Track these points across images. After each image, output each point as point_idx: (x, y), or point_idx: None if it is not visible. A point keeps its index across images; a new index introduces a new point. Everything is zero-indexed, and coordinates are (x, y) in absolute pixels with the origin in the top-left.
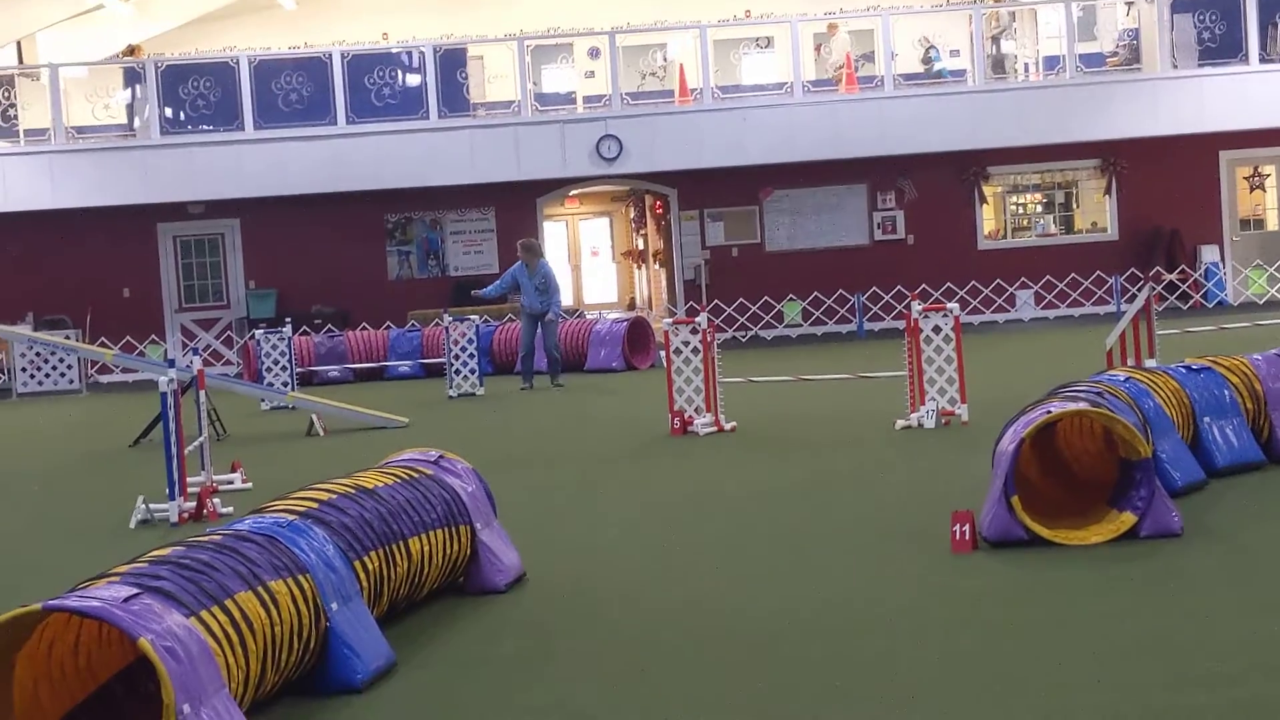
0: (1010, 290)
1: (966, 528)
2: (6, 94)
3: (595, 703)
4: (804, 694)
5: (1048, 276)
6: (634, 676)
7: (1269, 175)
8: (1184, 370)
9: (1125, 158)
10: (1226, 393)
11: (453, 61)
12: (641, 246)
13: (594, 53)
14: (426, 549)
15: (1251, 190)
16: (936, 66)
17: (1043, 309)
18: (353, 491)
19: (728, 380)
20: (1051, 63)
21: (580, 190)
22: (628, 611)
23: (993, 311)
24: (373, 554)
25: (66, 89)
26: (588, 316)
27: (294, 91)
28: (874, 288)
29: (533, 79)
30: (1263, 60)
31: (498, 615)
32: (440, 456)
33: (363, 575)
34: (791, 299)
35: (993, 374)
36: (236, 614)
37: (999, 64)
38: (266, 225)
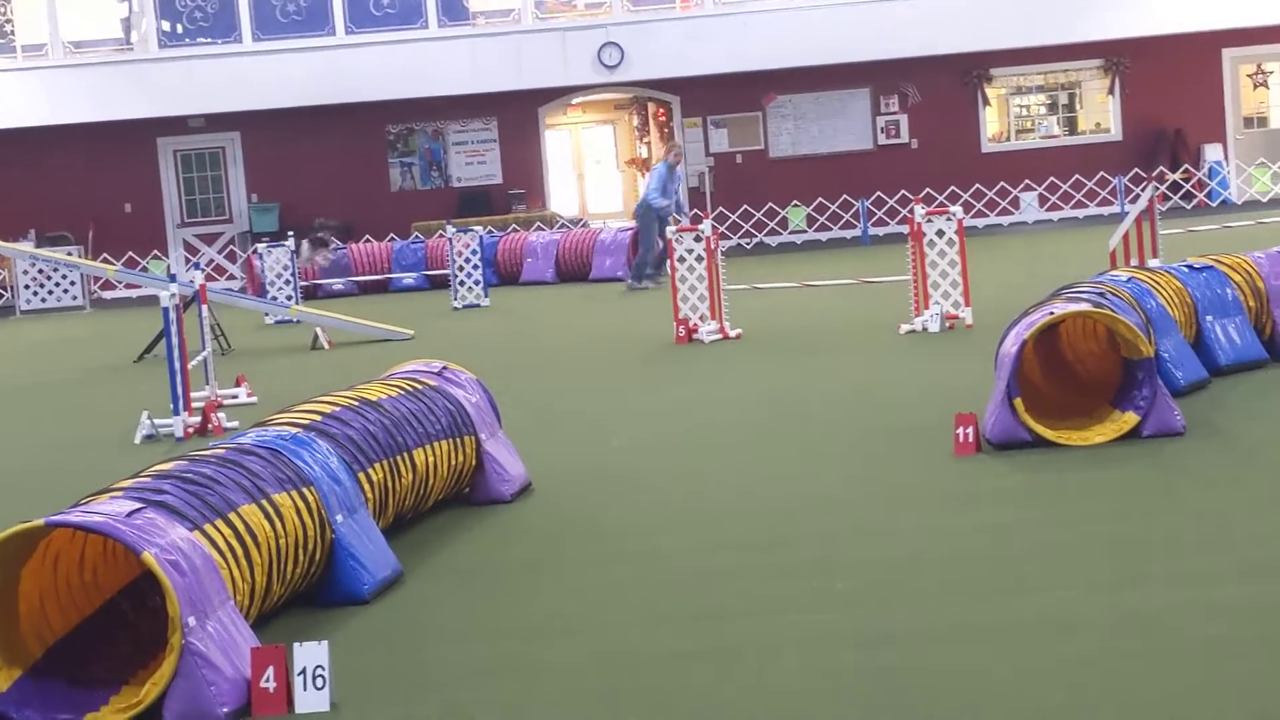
0: (1014, 193)
1: (970, 430)
2: (2, 9)
3: (600, 612)
4: (803, 595)
5: (1051, 178)
6: (639, 584)
7: (1272, 73)
8: (1186, 269)
9: (1128, 57)
10: (1229, 291)
11: None
12: (645, 155)
13: None
14: (431, 460)
15: (1255, 88)
16: None
17: (1047, 211)
18: (356, 404)
19: (732, 288)
20: None
21: (583, 99)
22: (633, 519)
23: (997, 214)
24: (377, 466)
25: (62, 2)
26: (592, 225)
27: (291, 2)
28: (878, 192)
29: None
30: None
31: (504, 525)
32: (444, 368)
33: (368, 487)
34: (796, 205)
35: (997, 277)
36: (240, 527)
37: None
38: (267, 138)
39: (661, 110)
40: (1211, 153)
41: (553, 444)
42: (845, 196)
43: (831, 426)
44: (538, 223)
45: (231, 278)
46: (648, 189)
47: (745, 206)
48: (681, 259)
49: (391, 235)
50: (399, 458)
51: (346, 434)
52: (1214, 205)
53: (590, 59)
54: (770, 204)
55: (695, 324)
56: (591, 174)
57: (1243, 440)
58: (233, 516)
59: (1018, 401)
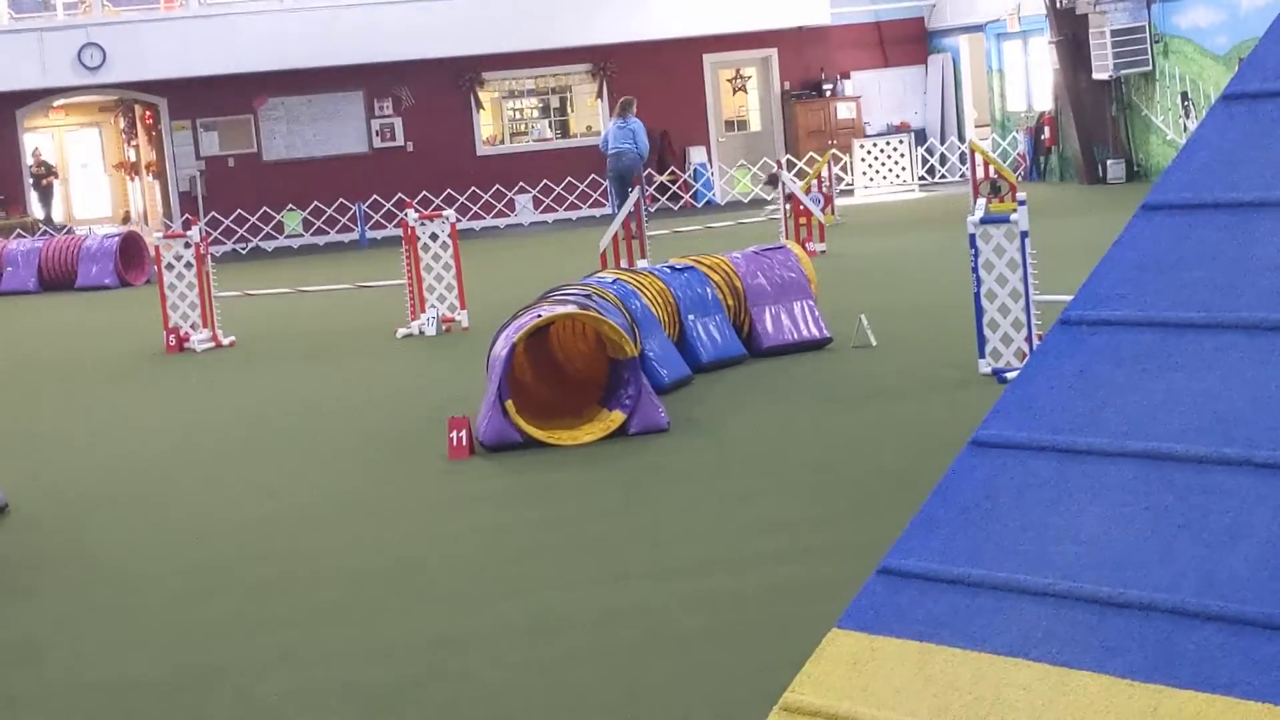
0: (509, 195)
1: (463, 434)
2: None
3: (75, 637)
4: (289, 611)
5: (545, 180)
6: (117, 608)
7: (750, 78)
8: (668, 270)
9: (615, 62)
10: (709, 290)
11: None
12: (134, 158)
13: None
14: None
15: (735, 92)
16: None
17: (541, 213)
18: None
19: (224, 294)
20: None
21: (65, 101)
22: (114, 539)
23: (493, 216)
24: None
25: None
26: (78, 232)
27: None
28: (375, 195)
29: None
30: None
31: None
32: None
33: None
34: (291, 209)
35: (493, 278)
36: None
37: None
38: None
39: (149, 112)
40: (696, 155)
41: (32, 463)
42: (341, 200)
43: (325, 435)
44: (18, 230)
45: None
46: (640, 144)
47: (239, 211)
48: (170, 266)
49: None
50: None
51: None
52: (700, 206)
53: (70, 60)
54: (265, 208)
55: (186, 332)
56: (77, 178)
57: (722, 435)
58: None
59: (509, 403)
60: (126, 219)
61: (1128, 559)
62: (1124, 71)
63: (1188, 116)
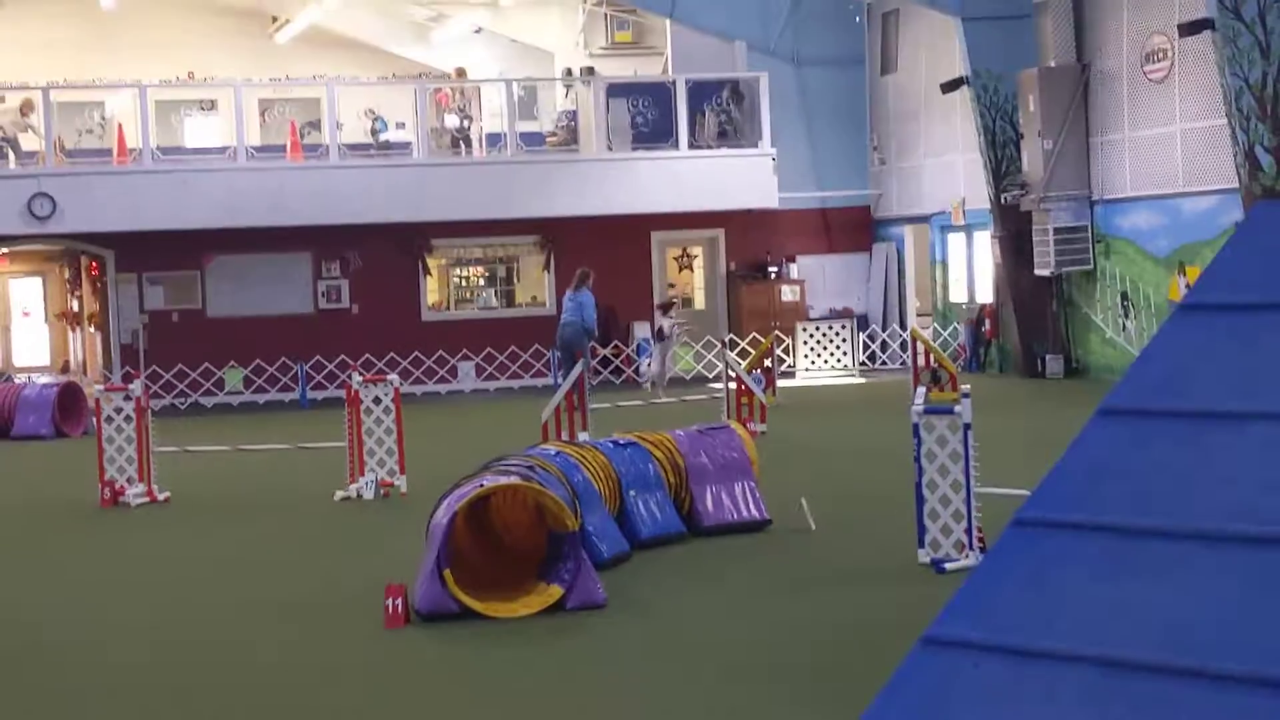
0: (453, 361)
1: (400, 601)
2: None
3: None
4: None
5: (489, 349)
6: None
7: (696, 256)
8: (611, 445)
9: (563, 235)
10: (651, 467)
11: None
12: (77, 308)
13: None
14: None
15: (680, 270)
16: (382, 137)
17: (484, 380)
18: None
19: (162, 450)
20: (494, 139)
21: (11, 249)
22: (37, 707)
23: (435, 382)
24: None
25: None
26: (16, 380)
27: None
28: (318, 356)
29: None
30: (691, 146)
31: None
32: None
33: None
34: (233, 366)
35: (434, 445)
36: None
37: (456, 140)
38: None
39: (95, 264)
40: (641, 330)
41: None
42: (284, 359)
43: (258, 596)
44: None
45: None
46: (587, 317)
47: (181, 366)
48: (109, 418)
49: None
50: None
51: None
52: (642, 381)
53: (19, 209)
54: (207, 364)
55: (122, 486)
56: (19, 326)
57: (658, 615)
58: None
59: (447, 573)
60: (65, 369)
61: None
62: (1066, 269)
63: (1127, 316)
